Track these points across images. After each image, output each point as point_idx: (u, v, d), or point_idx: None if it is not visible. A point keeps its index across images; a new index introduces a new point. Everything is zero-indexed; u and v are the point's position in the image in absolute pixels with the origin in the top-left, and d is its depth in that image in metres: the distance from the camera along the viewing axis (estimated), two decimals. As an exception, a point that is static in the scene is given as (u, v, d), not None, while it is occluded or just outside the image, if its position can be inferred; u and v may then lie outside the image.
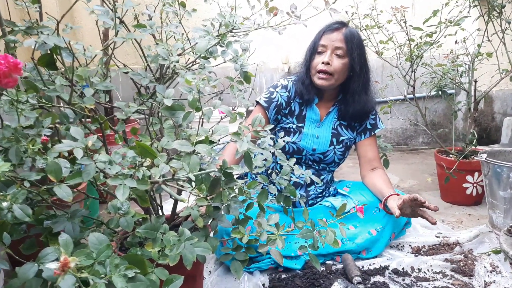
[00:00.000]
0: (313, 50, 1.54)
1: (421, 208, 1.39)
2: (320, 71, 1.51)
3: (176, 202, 1.13)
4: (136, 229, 0.75)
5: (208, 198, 0.96)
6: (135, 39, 1.01)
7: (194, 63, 1.11)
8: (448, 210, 2.09)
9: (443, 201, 2.21)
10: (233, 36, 1.09)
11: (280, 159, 1.06)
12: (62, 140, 0.69)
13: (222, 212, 0.98)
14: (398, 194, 1.44)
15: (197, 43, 1.04)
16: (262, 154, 0.99)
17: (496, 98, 3.25)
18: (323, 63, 1.49)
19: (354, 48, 1.50)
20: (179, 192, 0.95)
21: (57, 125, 0.80)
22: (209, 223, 0.97)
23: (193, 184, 0.80)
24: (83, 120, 0.90)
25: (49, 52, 0.84)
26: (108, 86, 0.84)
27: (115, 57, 1.09)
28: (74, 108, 0.82)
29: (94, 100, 0.83)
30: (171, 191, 0.70)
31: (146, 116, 1.04)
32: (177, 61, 0.94)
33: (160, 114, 1.06)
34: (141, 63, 1.09)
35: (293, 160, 1.07)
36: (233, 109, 1.28)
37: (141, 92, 1.10)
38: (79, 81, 0.83)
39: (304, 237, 0.94)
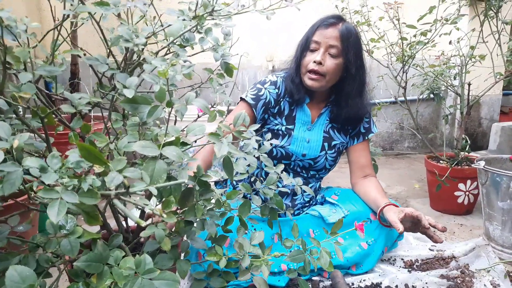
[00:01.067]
0: (305, 46, 1.37)
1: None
2: (311, 71, 1.35)
3: (143, 210, 0.96)
4: (76, 260, 0.57)
5: (178, 211, 0.80)
6: (93, 19, 0.84)
7: (168, 52, 0.94)
8: (439, 219, 1.98)
9: (432, 210, 2.10)
10: (213, 19, 0.92)
11: (265, 165, 0.91)
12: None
13: (196, 226, 0.81)
14: (395, 205, 1.30)
15: (169, 25, 0.87)
16: (245, 159, 0.83)
17: (484, 103, 3.19)
18: (314, 62, 1.33)
19: (350, 47, 1.33)
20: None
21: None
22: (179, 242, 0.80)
23: (155, 199, 0.63)
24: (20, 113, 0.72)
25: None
26: (51, 71, 0.66)
27: (73, 43, 0.91)
28: (5, 98, 0.64)
29: (35, 88, 0.66)
30: (124, 208, 0.53)
31: (105, 110, 0.86)
32: (144, 44, 0.77)
33: (124, 109, 0.88)
34: (116, 51, 0.91)
35: (281, 166, 0.91)
36: (212, 107, 1.12)
37: (102, 83, 0.93)
38: (15, 64, 0.66)
39: (293, 261, 0.78)
